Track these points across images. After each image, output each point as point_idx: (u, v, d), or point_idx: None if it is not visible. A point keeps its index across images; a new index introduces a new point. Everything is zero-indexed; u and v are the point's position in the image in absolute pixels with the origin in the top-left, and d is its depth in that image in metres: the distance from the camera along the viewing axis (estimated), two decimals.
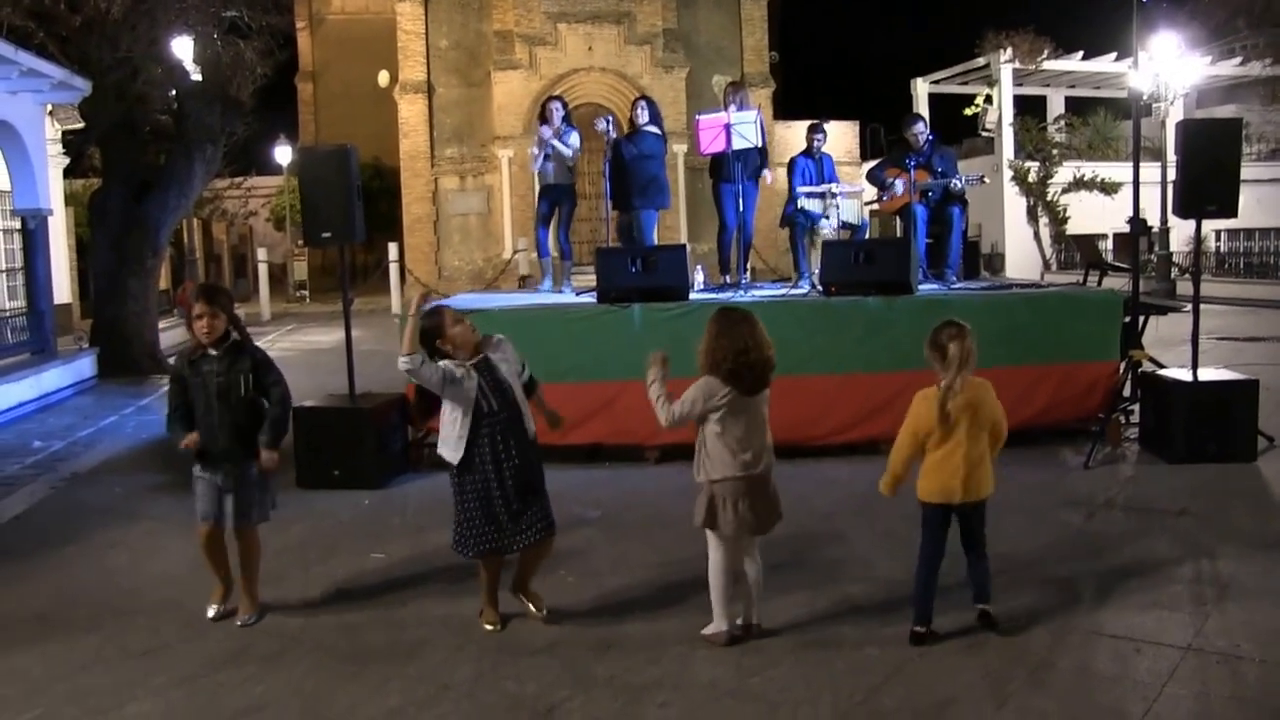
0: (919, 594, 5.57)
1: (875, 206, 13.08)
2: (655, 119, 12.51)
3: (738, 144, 11.56)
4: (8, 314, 16.25)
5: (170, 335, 20.05)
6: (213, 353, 5.94)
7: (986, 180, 13.03)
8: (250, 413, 6.00)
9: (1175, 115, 27.39)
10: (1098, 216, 31.73)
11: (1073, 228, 32.07)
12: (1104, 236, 29.60)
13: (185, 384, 5.98)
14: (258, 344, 6.26)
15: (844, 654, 5.37)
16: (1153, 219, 25.17)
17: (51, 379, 15.05)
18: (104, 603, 6.49)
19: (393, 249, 29.76)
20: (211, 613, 6.15)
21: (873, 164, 13.62)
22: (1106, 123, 35.25)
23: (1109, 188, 32.80)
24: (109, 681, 5.33)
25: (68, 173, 23.64)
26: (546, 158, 12.38)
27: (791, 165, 12.49)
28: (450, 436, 5.67)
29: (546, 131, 12.32)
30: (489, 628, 5.84)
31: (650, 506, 8.33)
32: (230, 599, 6.21)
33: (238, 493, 6.03)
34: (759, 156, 12.13)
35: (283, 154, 40.88)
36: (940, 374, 5.49)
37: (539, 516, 5.78)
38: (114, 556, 7.50)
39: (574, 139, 12.31)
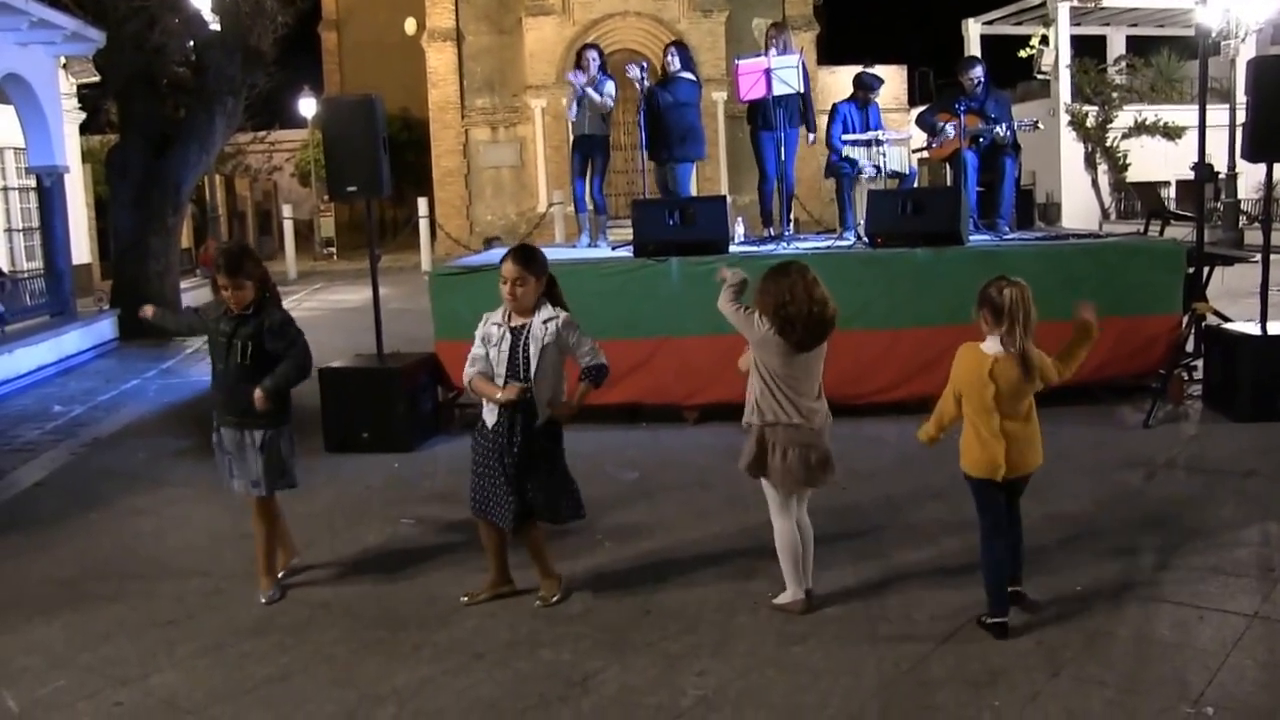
0: (991, 579, 5.22)
1: (925, 154, 12.97)
2: (688, 64, 12.43)
3: (779, 90, 11.45)
4: (25, 275, 16.42)
5: (193, 295, 20.20)
6: (236, 313, 5.87)
7: (1040, 125, 12.85)
8: (250, 380, 5.83)
9: (1246, 53, 26.93)
10: (1160, 163, 31.37)
11: (1133, 175, 31.72)
12: (1167, 184, 29.30)
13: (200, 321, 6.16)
14: (280, 303, 6.12)
15: (890, 621, 5.38)
16: (1219, 164, 24.83)
17: (71, 341, 15.21)
18: (127, 571, 6.57)
19: (422, 204, 29.77)
20: (267, 599, 6.00)
21: (923, 109, 13.47)
22: (1170, 63, 34.75)
23: (1173, 132, 32.39)
24: (133, 651, 5.39)
25: (84, 128, 23.78)
26: (580, 106, 12.34)
27: (833, 112, 12.37)
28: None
29: (580, 78, 12.27)
30: (463, 599, 5.84)
31: (689, 468, 8.34)
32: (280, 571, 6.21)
33: (241, 460, 6.00)
34: (801, 103, 12.04)
35: (307, 106, 40.93)
36: (990, 333, 5.19)
37: (537, 499, 5.68)
38: (137, 523, 7.59)
39: (609, 88, 12.25)
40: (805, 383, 5.48)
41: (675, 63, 12.29)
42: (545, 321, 5.61)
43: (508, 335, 5.59)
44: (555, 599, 5.78)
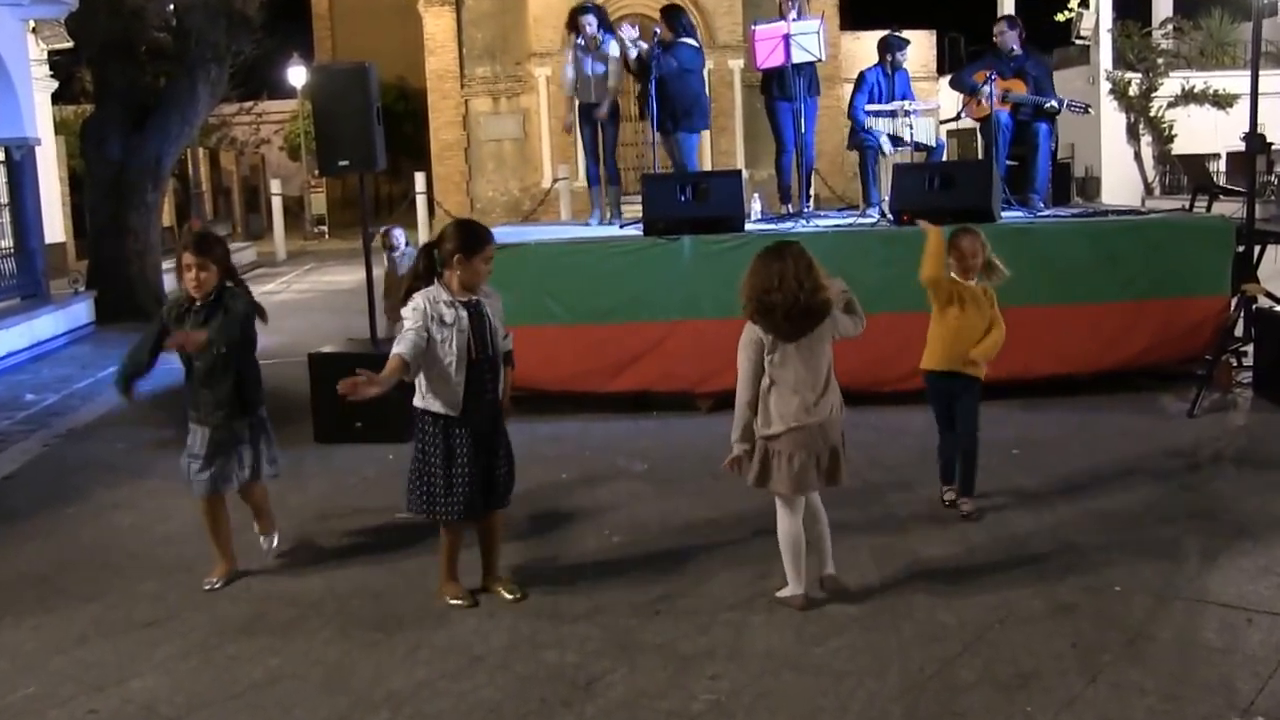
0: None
1: (954, 125, 12.89)
2: (689, 29, 12.32)
3: (798, 57, 11.43)
4: None
5: (174, 277, 20.24)
6: (197, 305, 6.06)
7: (1091, 110, 12.75)
8: (229, 370, 6.13)
9: None
10: (1209, 133, 31.22)
11: (1179, 147, 31.58)
12: (1215, 156, 29.13)
13: (166, 332, 6.10)
14: (250, 292, 6.32)
15: (915, 621, 5.38)
16: (1273, 135, 24.72)
17: (44, 326, 15.22)
18: (105, 568, 6.59)
19: (420, 179, 29.79)
20: (208, 586, 6.19)
21: (956, 73, 13.33)
22: (1222, 26, 34.54)
23: (1223, 100, 32.23)
24: (111, 654, 5.40)
25: (56, 98, 23.77)
26: (580, 73, 12.27)
27: (859, 79, 12.32)
28: (442, 387, 5.64)
29: (588, 33, 12.17)
30: (456, 602, 5.79)
31: (702, 459, 8.29)
32: (232, 573, 6.31)
33: (232, 451, 6.21)
34: (816, 72, 12.02)
35: (296, 75, 40.88)
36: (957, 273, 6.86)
37: (504, 481, 5.85)
38: (116, 518, 7.61)
39: (614, 49, 12.18)
40: (807, 377, 5.47)
41: (676, 28, 12.15)
42: (492, 293, 5.76)
43: (463, 313, 5.59)
44: (522, 594, 5.87)
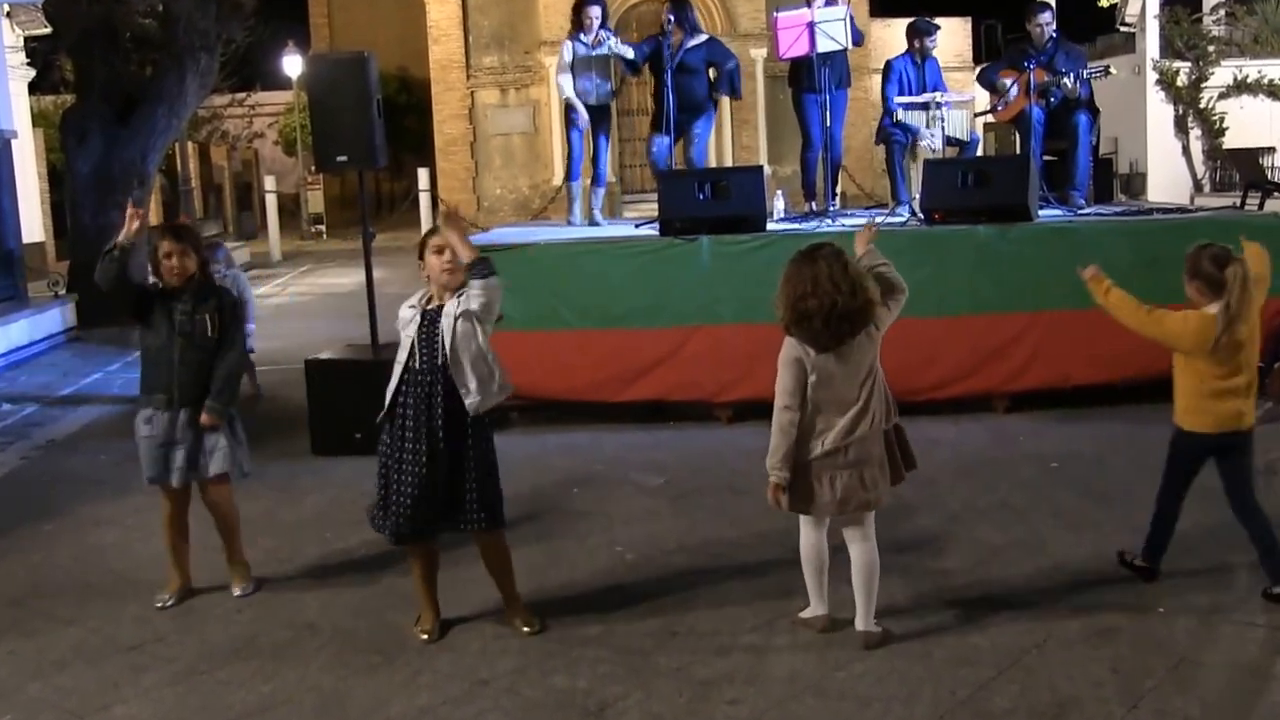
0: (1161, 528, 6.09)
1: (990, 117, 12.91)
2: (696, 25, 12.29)
3: (823, 46, 11.42)
4: None
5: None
6: (184, 294, 6.29)
7: (1113, 70, 12.67)
8: (214, 356, 6.31)
9: None
10: (1264, 126, 31.10)
11: (1231, 140, 31.48)
12: (1269, 150, 29.05)
13: (148, 298, 6.35)
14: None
15: (946, 645, 5.38)
16: None
17: (21, 331, 15.23)
18: (87, 588, 6.62)
19: (423, 175, 29.81)
20: (161, 603, 6.30)
21: (985, 66, 13.38)
22: (1278, 11, 34.47)
23: (1278, 91, 32.16)
24: (92, 680, 5.42)
25: (34, 87, 23.83)
26: (580, 74, 12.28)
27: (887, 70, 12.31)
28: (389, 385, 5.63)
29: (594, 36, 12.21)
30: (423, 637, 5.73)
31: (722, 472, 8.35)
32: (183, 590, 6.41)
33: (196, 442, 6.27)
34: (847, 62, 12.00)
35: (292, 65, 40.95)
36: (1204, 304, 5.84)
37: (472, 506, 5.63)
38: (99, 535, 7.65)
39: (615, 45, 12.20)
40: (848, 391, 5.40)
41: (687, 25, 12.11)
42: (458, 294, 5.56)
43: (418, 318, 5.57)
44: (539, 627, 5.75)
